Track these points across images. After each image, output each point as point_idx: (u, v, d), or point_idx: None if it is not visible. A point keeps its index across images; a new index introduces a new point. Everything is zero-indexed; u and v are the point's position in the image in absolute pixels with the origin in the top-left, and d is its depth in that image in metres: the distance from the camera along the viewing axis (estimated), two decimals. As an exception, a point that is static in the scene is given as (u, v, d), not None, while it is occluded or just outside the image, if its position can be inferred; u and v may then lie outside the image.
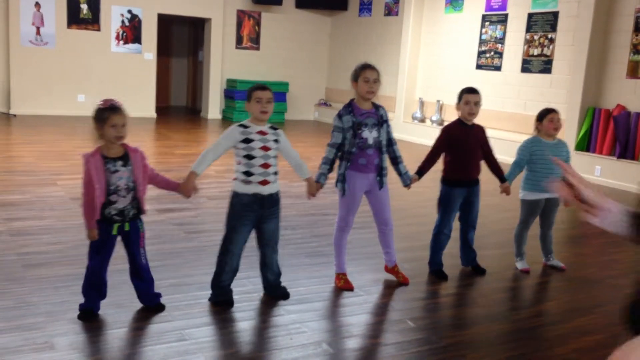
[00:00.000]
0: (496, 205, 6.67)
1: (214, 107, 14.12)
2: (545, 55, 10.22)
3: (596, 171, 9.09)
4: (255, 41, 14.42)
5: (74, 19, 12.45)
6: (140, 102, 13.03)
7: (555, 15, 10.08)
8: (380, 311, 3.90)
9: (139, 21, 13.02)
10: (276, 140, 3.61)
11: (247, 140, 3.52)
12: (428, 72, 12.58)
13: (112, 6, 12.72)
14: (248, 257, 3.74)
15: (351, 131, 3.90)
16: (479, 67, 11.44)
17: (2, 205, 5.56)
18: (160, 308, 3.53)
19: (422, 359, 3.22)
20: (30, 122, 11.21)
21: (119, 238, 3.39)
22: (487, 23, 11.31)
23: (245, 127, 3.56)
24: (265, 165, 3.54)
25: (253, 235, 3.71)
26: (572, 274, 4.81)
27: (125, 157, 3.27)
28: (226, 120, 13.88)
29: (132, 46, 13.05)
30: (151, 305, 3.53)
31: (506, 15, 10.92)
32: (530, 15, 10.49)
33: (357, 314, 3.77)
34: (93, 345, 3.12)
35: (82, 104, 12.66)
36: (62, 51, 12.42)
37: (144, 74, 13.23)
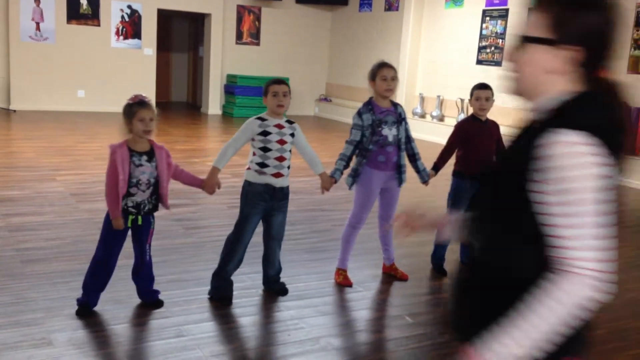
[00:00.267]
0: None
1: (214, 103, 14.10)
2: (546, 51, 10.19)
3: (596, 167, 9.08)
4: (256, 36, 14.40)
5: (74, 15, 12.42)
6: (140, 97, 12.99)
7: (556, 10, 10.04)
8: (379, 307, 3.90)
9: (139, 16, 13.00)
10: (292, 134, 3.67)
11: (264, 133, 3.57)
12: (428, 68, 12.56)
13: (112, 1, 12.69)
14: (247, 252, 3.74)
15: (370, 129, 3.92)
16: (479, 62, 11.42)
17: (1, 200, 5.55)
18: (159, 304, 3.54)
19: (421, 355, 3.22)
20: (30, 118, 11.20)
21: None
22: (487, 18, 11.28)
23: (263, 120, 3.61)
24: (281, 159, 3.59)
25: (256, 230, 3.72)
26: (571, 270, 4.81)
27: (151, 152, 3.33)
28: (226, 115, 13.87)
29: (132, 41, 13.02)
30: (150, 301, 3.54)
31: (507, 11, 10.89)
32: (530, 10, 10.45)
33: (356, 310, 3.78)
34: (91, 341, 3.12)
35: (82, 100, 12.65)
36: (62, 46, 12.40)
37: (144, 69, 13.21)
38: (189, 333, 3.24)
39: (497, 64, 11.05)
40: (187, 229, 5.11)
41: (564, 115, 1.28)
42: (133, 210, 3.32)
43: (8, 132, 9.90)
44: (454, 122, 10.14)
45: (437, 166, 4.43)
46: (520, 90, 1.39)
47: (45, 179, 6.49)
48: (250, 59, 14.30)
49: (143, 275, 3.51)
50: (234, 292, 3.72)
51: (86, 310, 3.37)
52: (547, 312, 1.23)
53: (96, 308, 3.42)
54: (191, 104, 16.31)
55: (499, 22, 11.03)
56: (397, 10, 13.21)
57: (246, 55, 14.29)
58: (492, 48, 11.15)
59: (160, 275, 3.88)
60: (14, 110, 11.91)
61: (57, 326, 3.21)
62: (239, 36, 14.21)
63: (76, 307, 3.38)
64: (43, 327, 3.19)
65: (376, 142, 3.92)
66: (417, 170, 4.21)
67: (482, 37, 11.36)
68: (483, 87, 4.48)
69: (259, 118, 3.62)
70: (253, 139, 3.60)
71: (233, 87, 13.70)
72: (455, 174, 4.46)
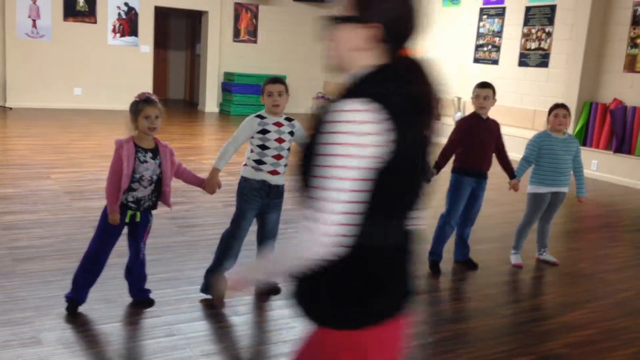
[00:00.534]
0: (490, 200, 6.64)
1: (211, 101, 14.08)
2: (543, 49, 10.18)
3: (592, 165, 9.07)
4: (253, 34, 14.37)
5: (70, 12, 12.39)
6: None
7: (552, 8, 10.03)
8: (372, 306, 3.88)
9: (136, 14, 12.96)
10: (291, 133, 3.66)
11: (263, 131, 3.57)
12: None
13: (109, -1, 12.67)
14: (241, 251, 3.72)
15: None
16: (476, 60, 11.41)
17: (-6, 198, 5.54)
18: (150, 303, 3.52)
19: (413, 354, 3.20)
20: (26, 115, 11.17)
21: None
22: (484, 16, 11.26)
23: (262, 117, 3.61)
24: (278, 157, 3.59)
25: (250, 229, 3.71)
26: (565, 269, 4.80)
27: (156, 150, 3.37)
28: (223, 113, 13.84)
29: (128, 39, 12.99)
30: (141, 300, 3.52)
31: (504, 9, 10.87)
32: (527, 9, 10.44)
33: (348, 309, 3.75)
34: (81, 340, 3.11)
35: (78, 97, 12.62)
36: (59, 44, 12.36)
37: (141, 67, 13.17)
38: (179, 332, 3.23)
39: (494, 62, 11.03)
40: (181, 227, 5.10)
41: (356, 86, 1.41)
42: (133, 205, 3.33)
43: (3, 129, 9.87)
44: (450, 121, 10.12)
45: (439, 165, 4.41)
46: (334, 66, 1.52)
47: (39, 176, 6.47)
48: (247, 57, 14.27)
49: (136, 273, 3.50)
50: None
51: (74, 307, 3.36)
52: (283, 255, 1.46)
53: (86, 307, 3.40)
54: (188, 101, 16.28)
55: (496, 20, 11.01)
56: (394, 8, 13.18)
57: (243, 53, 14.26)
58: (489, 46, 11.13)
59: (152, 273, 3.85)
60: (10, 108, 11.88)
61: (46, 325, 3.19)
62: (236, 34, 14.18)
63: (65, 304, 3.36)
64: (33, 326, 3.17)
65: None
66: None
67: (479, 35, 11.35)
68: (482, 85, 4.56)
69: (259, 116, 3.62)
70: (252, 137, 3.61)
71: (230, 84, 13.67)
72: (455, 170, 4.47)
